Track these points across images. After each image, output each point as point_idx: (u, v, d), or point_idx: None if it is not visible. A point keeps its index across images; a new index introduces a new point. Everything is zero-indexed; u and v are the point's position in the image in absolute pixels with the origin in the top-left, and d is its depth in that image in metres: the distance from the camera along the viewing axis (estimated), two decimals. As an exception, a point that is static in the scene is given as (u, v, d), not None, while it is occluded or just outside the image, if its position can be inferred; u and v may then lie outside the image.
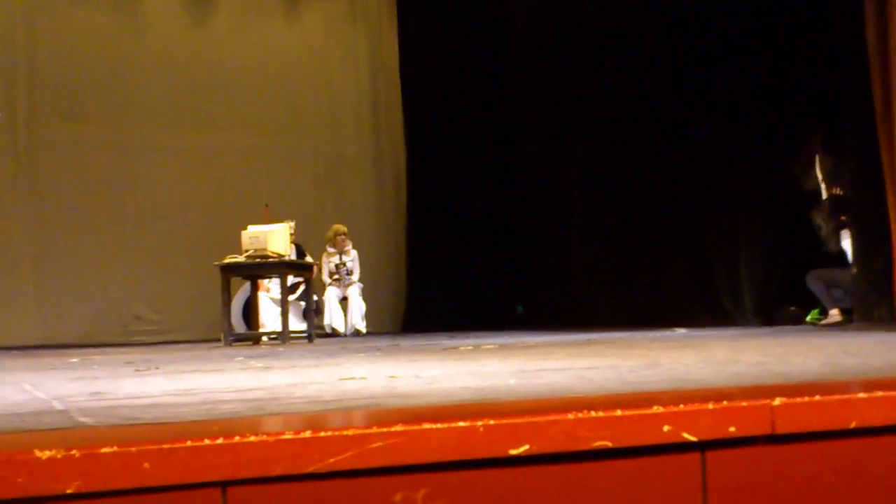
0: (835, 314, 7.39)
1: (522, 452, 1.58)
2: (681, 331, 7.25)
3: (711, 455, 1.68)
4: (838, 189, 7.49)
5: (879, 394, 1.81)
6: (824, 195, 7.62)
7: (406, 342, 7.16)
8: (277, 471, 1.47)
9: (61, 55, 10.12)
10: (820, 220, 7.66)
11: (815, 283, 7.55)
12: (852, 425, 1.76)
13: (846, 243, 7.48)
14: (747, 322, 7.96)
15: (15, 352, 7.93)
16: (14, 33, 9.95)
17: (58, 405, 2.48)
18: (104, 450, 1.40)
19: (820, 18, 7.45)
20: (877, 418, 1.78)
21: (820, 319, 7.63)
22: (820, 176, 7.62)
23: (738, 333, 6.51)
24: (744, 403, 1.72)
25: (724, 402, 1.71)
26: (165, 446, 1.43)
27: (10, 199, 9.79)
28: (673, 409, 1.68)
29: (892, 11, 6.07)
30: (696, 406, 1.69)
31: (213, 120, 10.67)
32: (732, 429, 1.69)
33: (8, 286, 9.61)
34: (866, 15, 6.21)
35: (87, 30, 10.23)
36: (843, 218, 7.50)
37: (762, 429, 1.71)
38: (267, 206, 8.82)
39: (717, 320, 8.11)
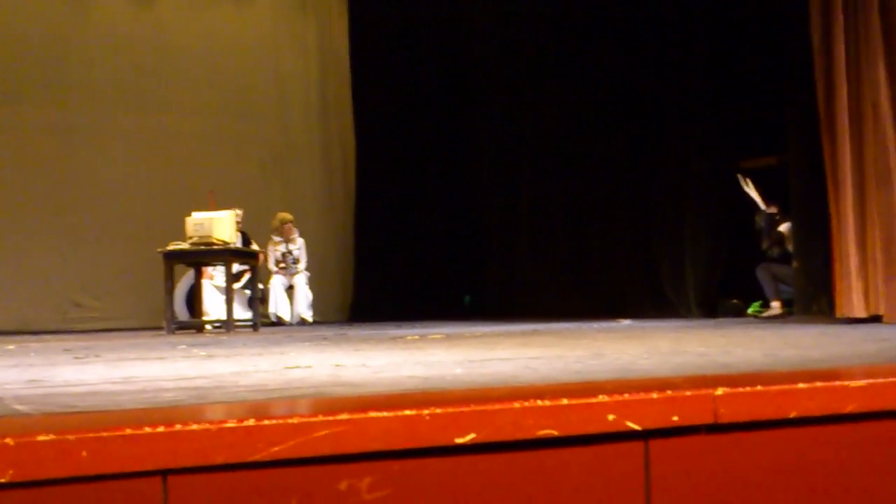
0: (776, 307, 7.54)
1: (468, 441, 1.57)
2: (626, 322, 7.33)
3: (655, 443, 1.70)
4: (774, 208, 7.83)
5: (819, 384, 1.84)
6: (763, 206, 7.91)
7: (353, 331, 7.13)
8: (220, 459, 1.44)
9: (1, 34, 9.85)
10: (762, 226, 7.90)
11: (763, 274, 7.75)
12: (792, 415, 1.79)
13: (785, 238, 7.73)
14: (690, 314, 8.08)
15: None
16: None
17: (-7, 392, 2.42)
18: (40, 438, 1.37)
19: (765, 20, 7.56)
20: (815, 408, 1.82)
21: (761, 312, 7.80)
22: (755, 194, 7.93)
23: (681, 325, 6.60)
24: (687, 393, 1.74)
25: (668, 392, 1.73)
26: (104, 434, 1.40)
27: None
28: (617, 398, 1.69)
29: (836, 12, 6.17)
30: (641, 395, 1.71)
31: (158, 104, 10.48)
32: (675, 418, 1.71)
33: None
34: (811, 15, 6.31)
35: (28, 9, 9.96)
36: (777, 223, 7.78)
37: (705, 418, 1.73)
38: (212, 192, 8.70)
39: (662, 312, 8.22)
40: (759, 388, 1.78)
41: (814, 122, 6.37)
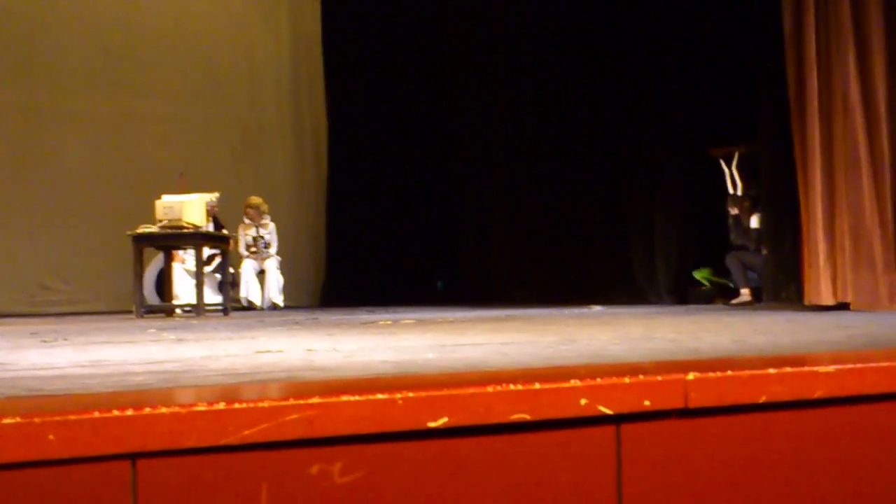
0: (745, 294, 7.60)
1: (441, 425, 1.57)
2: (597, 308, 7.37)
3: (626, 427, 1.71)
4: (747, 202, 7.87)
5: (788, 370, 1.85)
6: (739, 191, 7.92)
7: (324, 316, 7.10)
8: (189, 443, 1.43)
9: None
10: (736, 211, 7.93)
11: (733, 262, 7.82)
12: (762, 400, 1.80)
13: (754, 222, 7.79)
14: (661, 300, 8.13)
15: (-86, 321, 7.61)
16: None
17: (-42, 376, 2.38)
18: (6, 421, 1.35)
19: (738, 8, 7.59)
20: (785, 394, 1.83)
21: (710, 279, 7.86)
22: (736, 173, 7.94)
23: (652, 311, 6.64)
24: (658, 378, 1.75)
25: (640, 377, 1.74)
26: (71, 418, 1.38)
27: None
28: (589, 382, 1.69)
29: (807, 2, 6.21)
30: (612, 380, 1.71)
31: (129, 85, 10.36)
32: (647, 402, 1.72)
33: None
34: (783, 4, 6.34)
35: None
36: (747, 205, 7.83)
37: (676, 402, 1.74)
38: (182, 175, 8.62)
39: (633, 298, 8.27)
40: (729, 373, 1.79)
41: (784, 112, 6.42)
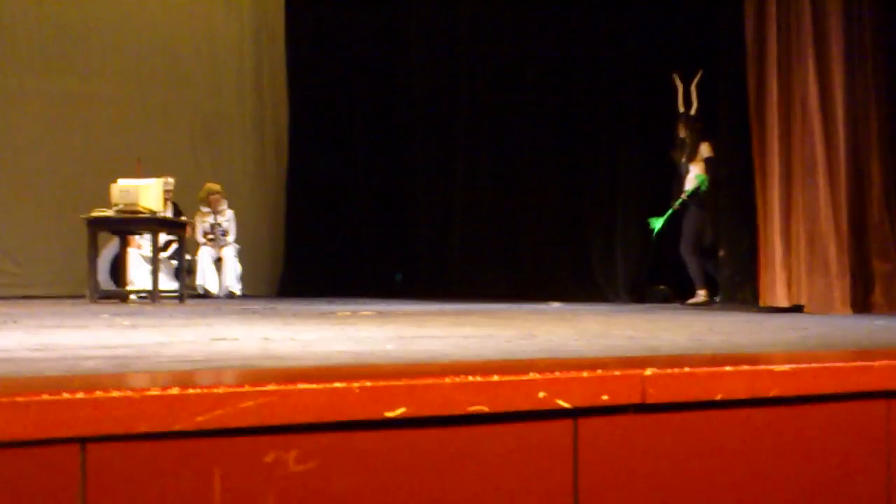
0: (701, 294, 7.65)
1: (398, 415, 1.56)
2: (555, 305, 7.39)
3: (584, 422, 1.71)
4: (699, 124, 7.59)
5: (744, 368, 1.87)
6: (693, 111, 7.66)
7: (283, 306, 7.05)
8: (141, 428, 1.40)
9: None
10: (684, 134, 7.74)
11: (689, 256, 7.72)
12: (718, 397, 1.81)
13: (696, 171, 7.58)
14: (619, 299, 8.18)
15: None
16: None
17: None
18: (-49, 402, 1.31)
19: (700, 6, 7.63)
20: (741, 391, 1.85)
21: (659, 227, 7.75)
22: (694, 91, 7.67)
23: (610, 309, 6.68)
24: (616, 373, 1.75)
25: (598, 371, 1.74)
26: (19, 400, 1.35)
27: None
28: (548, 375, 1.69)
29: (769, 3, 6.27)
30: (571, 374, 1.71)
31: (85, 67, 10.19)
32: (605, 397, 1.72)
33: None
34: (745, 5, 6.40)
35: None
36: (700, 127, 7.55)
37: (633, 398, 1.74)
38: (139, 160, 8.49)
39: (591, 296, 8.30)
40: (686, 369, 1.80)
41: (744, 112, 6.48)
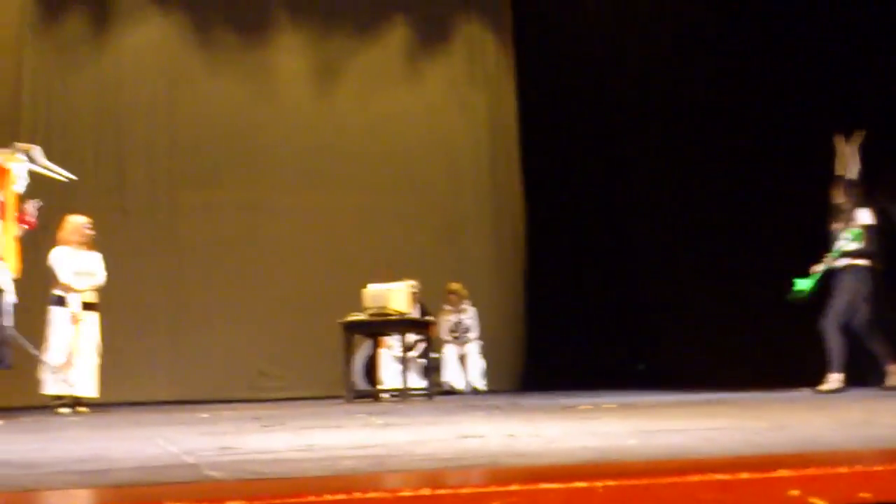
0: (835, 379, 6.72)
1: (641, 514, 1.55)
2: (807, 391, 6.95)
3: (842, 522, 1.62)
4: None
5: None
6: (854, 174, 6.96)
7: (525, 400, 7.10)
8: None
9: (199, 123, 10.61)
10: (842, 200, 6.97)
11: (833, 333, 6.78)
12: None
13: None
14: (879, 381, 7.56)
15: (149, 407, 8.25)
16: (156, 104, 10.50)
17: (188, 459, 2.57)
18: (231, 503, 1.45)
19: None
20: None
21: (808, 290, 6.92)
22: (857, 153, 6.97)
23: (876, 394, 6.21)
24: (878, 468, 1.65)
25: (857, 466, 1.65)
26: (289, 501, 1.47)
27: (149, 261, 10.16)
28: (801, 471, 1.62)
29: None
30: (826, 469, 1.64)
31: (338, 182, 10.95)
32: (865, 494, 1.62)
33: (146, 344, 9.98)
34: None
35: (222, 102, 10.71)
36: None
37: (896, 495, 1.63)
38: (387, 265, 8.94)
39: (852, 379, 7.73)
40: (956, 464, 1.67)
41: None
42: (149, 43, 10.58)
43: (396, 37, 11.38)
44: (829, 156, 7.26)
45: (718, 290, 9.50)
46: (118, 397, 8.83)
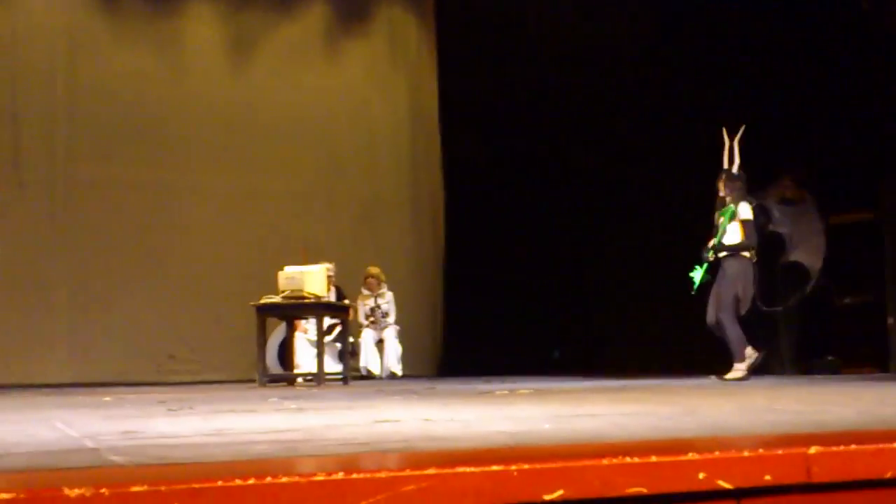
0: (742, 368, 6.96)
1: (556, 498, 1.56)
2: (714, 378, 7.15)
3: (746, 503, 1.66)
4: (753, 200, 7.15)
5: (920, 444, 1.77)
6: (736, 168, 7.18)
7: (442, 386, 7.13)
8: (308, 512, 1.46)
9: (102, 96, 10.11)
10: (724, 193, 7.17)
11: (730, 324, 7.02)
12: (888, 475, 1.72)
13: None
14: (784, 370, 7.84)
15: (47, 389, 7.96)
16: (55, 73, 9.92)
17: (89, 443, 2.49)
18: (134, 489, 1.41)
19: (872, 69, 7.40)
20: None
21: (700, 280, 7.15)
22: (737, 147, 7.20)
23: (775, 382, 6.41)
24: (780, 451, 1.70)
25: (760, 450, 1.69)
26: (195, 486, 1.43)
27: (47, 237, 9.69)
28: (708, 455, 1.65)
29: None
30: (732, 453, 1.67)
31: (251, 162, 10.75)
32: (768, 477, 1.67)
33: (42, 323, 9.61)
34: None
35: (127, 72, 10.24)
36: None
37: (798, 477, 1.68)
38: (304, 247, 8.86)
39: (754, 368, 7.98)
40: (853, 447, 1.73)
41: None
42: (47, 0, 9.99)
43: (316, 13, 11.12)
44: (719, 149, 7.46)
45: (635, 279, 9.68)
46: (10, 379, 8.52)
